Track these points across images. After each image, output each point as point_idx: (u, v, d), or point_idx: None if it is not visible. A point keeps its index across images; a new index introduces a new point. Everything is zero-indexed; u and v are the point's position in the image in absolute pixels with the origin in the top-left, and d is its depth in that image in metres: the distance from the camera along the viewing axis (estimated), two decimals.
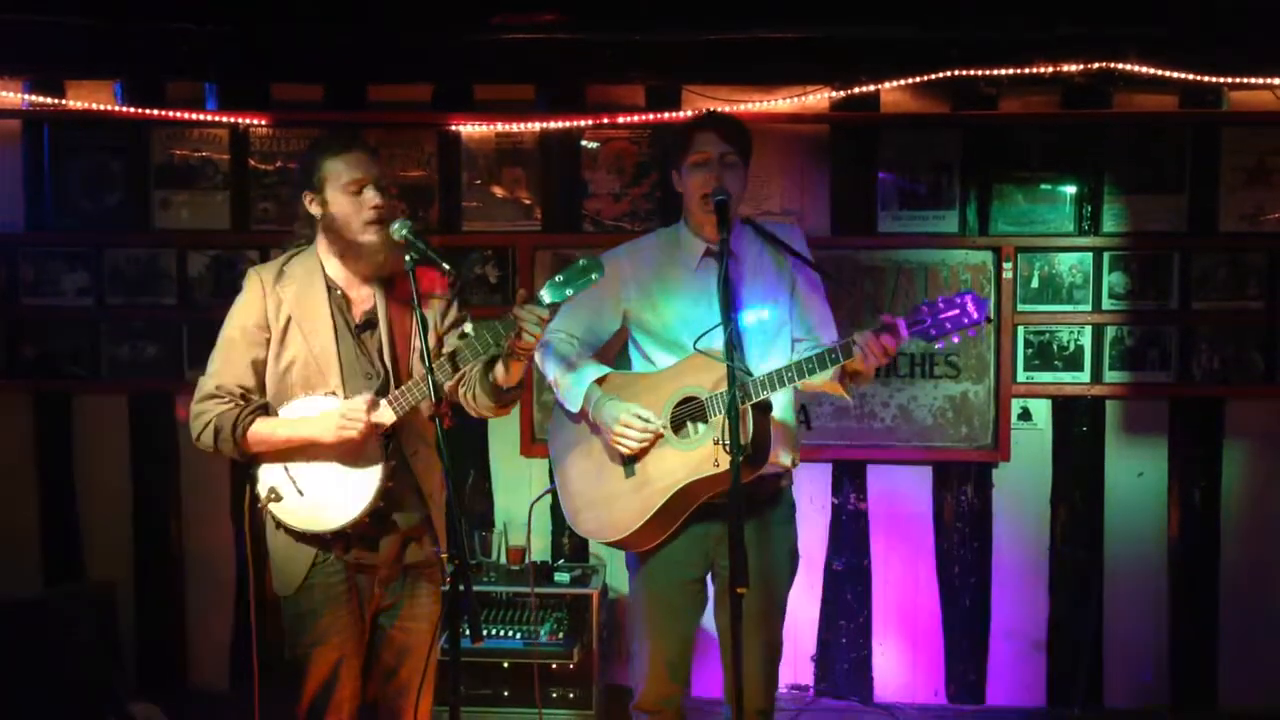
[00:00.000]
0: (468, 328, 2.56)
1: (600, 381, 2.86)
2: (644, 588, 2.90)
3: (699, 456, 2.69)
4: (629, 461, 2.78)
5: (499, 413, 2.75)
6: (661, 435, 2.73)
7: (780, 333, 2.86)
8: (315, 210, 2.69)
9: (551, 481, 3.07)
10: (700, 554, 2.83)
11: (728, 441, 2.52)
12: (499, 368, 2.60)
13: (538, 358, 2.95)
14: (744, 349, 2.78)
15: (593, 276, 2.49)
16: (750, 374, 2.66)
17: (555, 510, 4.43)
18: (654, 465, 2.75)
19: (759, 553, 2.79)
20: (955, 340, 2.51)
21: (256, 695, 2.81)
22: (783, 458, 2.84)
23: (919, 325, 2.51)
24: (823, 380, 2.67)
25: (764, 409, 2.71)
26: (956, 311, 2.49)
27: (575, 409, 2.87)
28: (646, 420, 2.72)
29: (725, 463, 2.60)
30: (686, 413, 2.74)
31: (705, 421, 2.73)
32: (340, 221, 2.66)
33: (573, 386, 2.86)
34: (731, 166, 2.78)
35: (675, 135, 2.92)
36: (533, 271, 4.36)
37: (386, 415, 2.61)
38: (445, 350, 2.76)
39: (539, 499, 4.28)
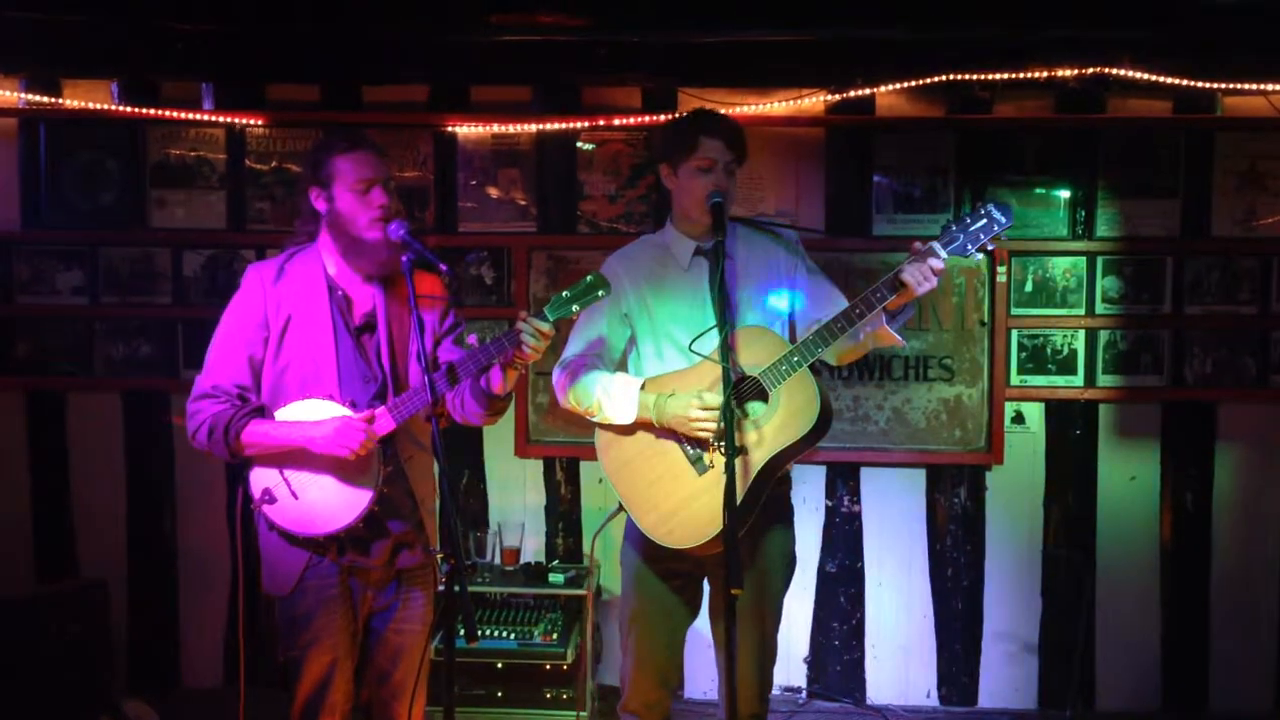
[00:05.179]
0: (472, 339, 2.58)
1: (642, 388, 2.82)
2: (635, 588, 2.89)
3: (774, 429, 2.68)
4: (697, 460, 2.74)
5: (487, 420, 2.76)
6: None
7: (781, 328, 2.87)
8: (321, 206, 2.69)
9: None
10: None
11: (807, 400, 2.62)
12: (493, 376, 2.62)
13: (568, 396, 2.88)
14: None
15: (599, 293, 2.54)
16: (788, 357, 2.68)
17: (549, 511, 4.46)
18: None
19: (756, 557, 2.79)
20: (991, 249, 2.65)
21: (242, 697, 2.82)
22: None
23: (953, 243, 2.61)
24: (865, 334, 2.72)
25: (816, 370, 2.73)
26: (985, 221, 2.61)
27: (630, 419, 2.79)
28: (709, 402, 2.67)
29: (806, 425, 2.65)
30: (746, 392, 2.72)
31: (762, 399, 2.72)
32: (346, 218, 2.65)
33: (621, 399, 2.79)
34: (732, 174, 2.81)
35: (675, 134, 2.87)
36: (529, 272, 4.36)
37: (385, 424, 2.61)
38: (441, 353, 2.77)
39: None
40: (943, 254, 2.60)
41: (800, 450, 2.71)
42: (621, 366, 2.97)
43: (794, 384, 2.68)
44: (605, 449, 2.89)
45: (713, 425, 2.67)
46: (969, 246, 2.61)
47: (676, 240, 2.91)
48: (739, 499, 2.65)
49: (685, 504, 2.74)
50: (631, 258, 2.95)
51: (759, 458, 2.68)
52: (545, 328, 2.50)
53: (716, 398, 2.66)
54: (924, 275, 2.57)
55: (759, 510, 2.74)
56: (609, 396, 2.81)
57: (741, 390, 2.72)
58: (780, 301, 2.87)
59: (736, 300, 2.82)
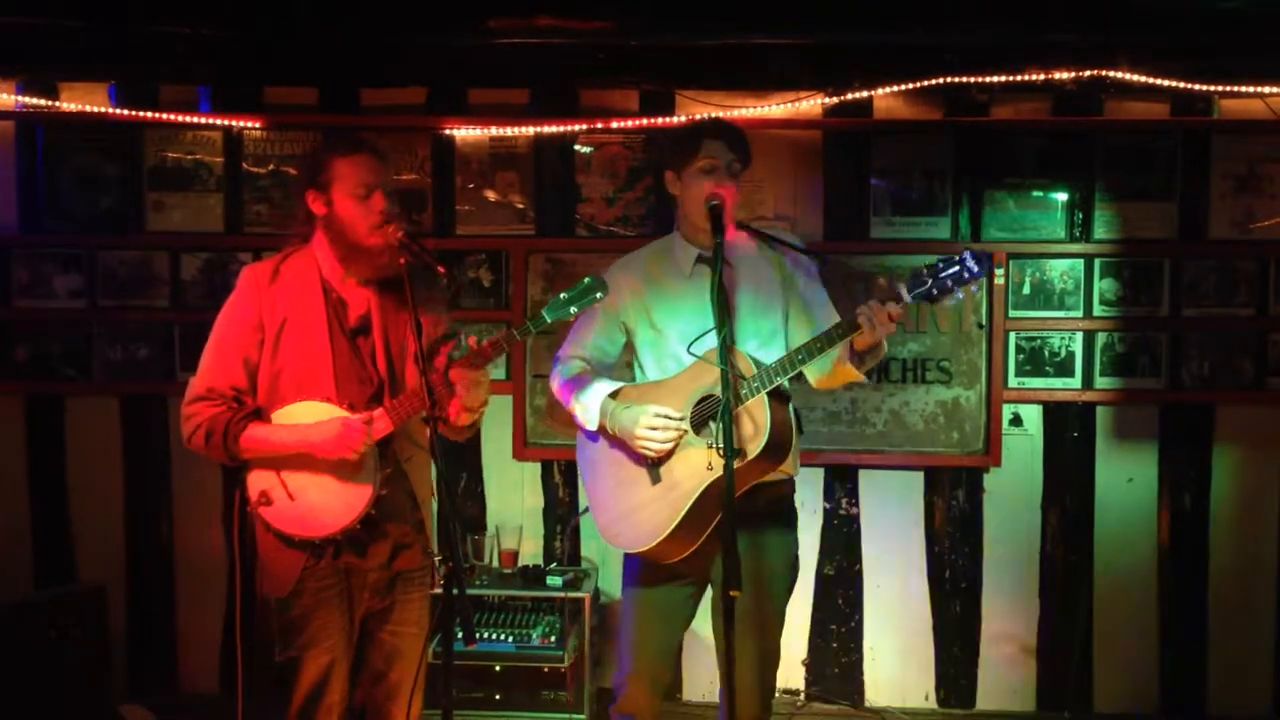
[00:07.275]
0: (462, 340, 2.59)
1: (615, 395, 2.86)
2: (635, 591, 2.90)
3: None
4: (655, 467, 2.76)
5: (457, 437, 2.80)
6: (685, 431, 2.71)
7: (775, 336, 2.86)
8: (319, 210, 2.67)
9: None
10: (699, 560, 2.81)
11: (750, 431, 2.60)
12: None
13: (553, 386, 2.96)
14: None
15: (597, 295, 2.55)
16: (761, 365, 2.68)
17: (548, 514, 4.46)
18: (680, 467, 2.73)
19: (757, 561, 2.79)
20: (960, 297, 2.57)
21: (240, 699, 2.81)
22: (786, 463, 2.85)
23: (920, 288, 2.57)
24: (834, 363, 2.72)
25: (782, 398, 2.72)
26: (956, 269, 2.55)
27: (593, 426, 2.85)
28: (669, 418, 2.70)
29: (754, 450, 2.63)
30: (707, 410, 2.73)
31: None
32: (346, 224, 2.63)
33: (588, 405, 2.86)
34: (735, 176, 2.81)
35: (678, 139, 2.91)
36: (526, 275, 4.37)
37: (383, 424, 2.61)
38: (437, 359, 2.77)
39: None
40: (907, 299, 2.56)
41: (754, 474, 2.69)
42: (622, 370, 2.98)
43: (751, 409, 2.67)
44: (580, 448, 2.97)
45: (658, 442, 2.70)
46: (935, 292, 2.55)
47: (680, 247, 2.92)
48: (684, 512, 2.69)
49: (636, 510, 2.78)
50: (633, 265, 2.97)
51: (709, 475, 2.67)
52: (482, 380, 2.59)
53: (669, 414, 2.69)
54: (880, 320, 2.54)
55: (755, 516, 2.75)
56: (580, 402, 2.87)
57: (704, 408, 2.73)
58: (775, 314, 2.87)
59: (736, 306, 2.83)
